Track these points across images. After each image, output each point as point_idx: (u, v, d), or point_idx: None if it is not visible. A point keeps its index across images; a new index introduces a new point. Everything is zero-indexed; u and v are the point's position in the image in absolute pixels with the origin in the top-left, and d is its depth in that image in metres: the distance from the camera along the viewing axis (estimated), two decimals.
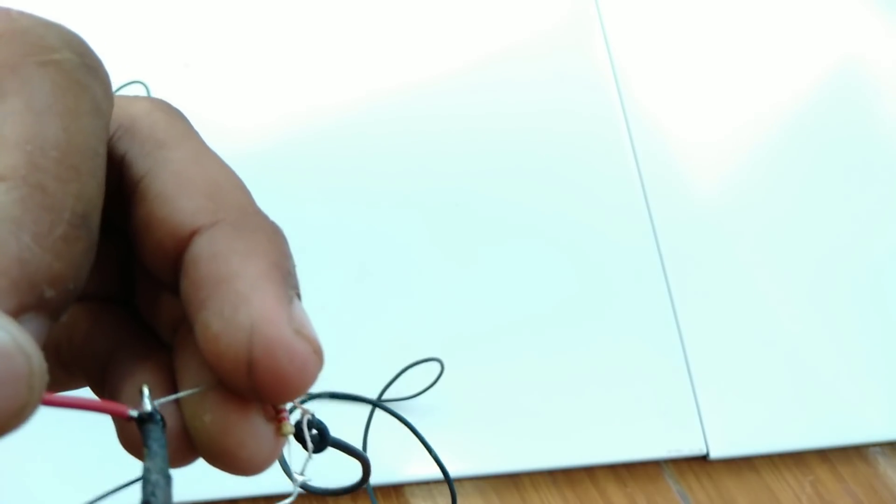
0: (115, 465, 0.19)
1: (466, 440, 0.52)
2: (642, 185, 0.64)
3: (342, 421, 0.49)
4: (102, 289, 0.21)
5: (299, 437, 0.19)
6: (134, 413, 0.17)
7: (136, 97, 0.20)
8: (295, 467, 0.19)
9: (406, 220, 0.60)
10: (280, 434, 0.18)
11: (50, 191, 0.15)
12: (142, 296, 0.21)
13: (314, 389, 0.27)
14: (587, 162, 0.65)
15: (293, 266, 0.18)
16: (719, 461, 0.55)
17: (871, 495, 0.55)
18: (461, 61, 0.68)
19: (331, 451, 0.21)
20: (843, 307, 0.62)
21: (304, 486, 0.20)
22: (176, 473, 0.17)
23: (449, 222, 0.60)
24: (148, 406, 0.17)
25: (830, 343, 0.60)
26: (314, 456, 0.20)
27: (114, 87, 0.19)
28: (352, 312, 0.55)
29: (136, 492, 0.16)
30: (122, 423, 0.18)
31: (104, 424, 0.19)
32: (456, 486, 0.50)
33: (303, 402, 0.19)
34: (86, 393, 0.19)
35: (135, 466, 0.17)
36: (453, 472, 0.51)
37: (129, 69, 0.61)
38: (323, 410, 0.49)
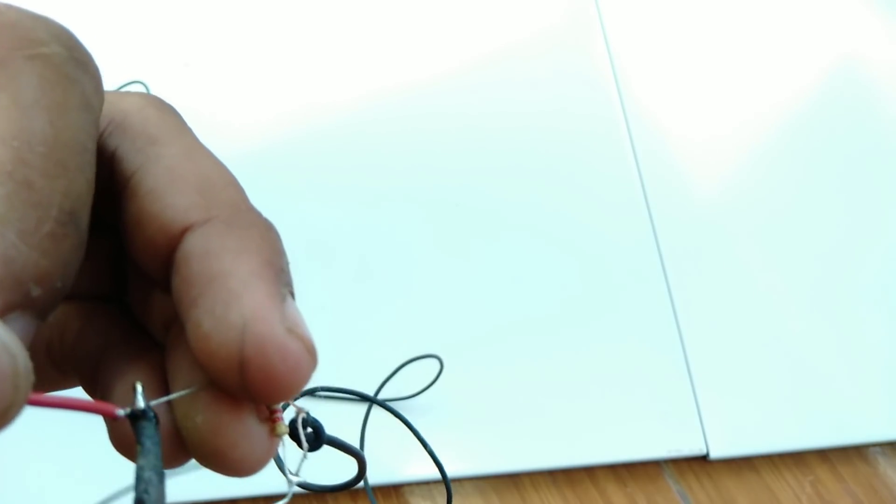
0: (117, 464, 0.19)
1: (466, 440, 0.52)
2: (642, 185, 0.64)
3: (339, 418, 0.49)
4: (94, 287, 0.21)
5: (294, 436, 0.19)
6: (123, 412, 0.17)
7: (128, 92, 0.20)
8: (291, 465, 0.19)
9: (406, 218, 0.60)
10: (274, 434, 0.18)
11: (37, 187, 0.15)
12: (134, 294, 0.20)
13: (309, 385, 0.27)
14: (587, 160, 0.65)
15: (287, 263, 0.18)
16: (719, 461, 0.54)
17: (871, 495, 0.55)
18: (461, 60, 0.68)
19: (327, 450, 0.20)
20: (843, 306, 0.62)
21: (300, 484, 0.20)
22: (172, 473, 0.17)
23: (449, 221, 0.60)
24: (141, 403, 0.17)
25: (830, 343, 0.60)
26: (309, 455, 0.20)
27: (114, 87, 0.18)
28: (351, 310, 0.55)
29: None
30: (112, 423, 0.17)
31: (104, 424, 0.19)
32: (456, 486, 0.50)
33: (294, 399, 0.19)
34: (78, 392, 0.19)
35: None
36: (453, 471, 0.50)
37: (129, 69, 0.61)
38: (319, 408, 0.49)
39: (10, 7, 0.17)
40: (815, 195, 0.67)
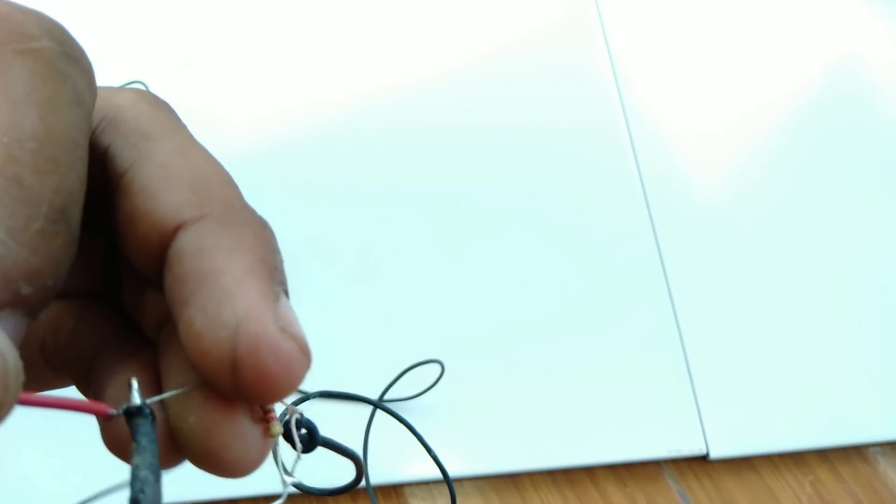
0: (112, 460, 0.19)
1: (467, 440, 0.51)
2: (642, 184, 0.64)
3: (343, 421, 0.49)
4: (88, 285, 0.20)
5: (288, 438, 0.19)
6: (118, 410, 0.16)
7: (122, 88, 0.20)
8: (288, 466, 0.19)
9: (406, 218, 0.59)
10: (268, 435, 0.17)
11: (27, 183, 0.15)
12: (127, 292, 0.20)
13: (311, 389, 0.26)
14: (586, 159, 0.65)
15: (281, 262, 0.18)
16: (719, 461, 0.54)
17: (871, 495, 0.54)
18: (462, 58, 0.68)
19: (330, 451, 0.20)
20: (843, 306, 0.62)
21: (297, 485, 0.20)
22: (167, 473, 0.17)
23: (448, 221, 0.60)
24: (137, 399, 0.16)
25: (830, 343, 0.60)
26: (311, 456, 0.19)
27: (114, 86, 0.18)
28: (353, 312, 0.55)
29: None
30: (105, 422, 0.17)
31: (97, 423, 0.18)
32: (456, 486, 0.50)
33: (297, 402, 0.18)
34: (71, 391, 0.19)
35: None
36: (454, 472, 0.50)
37: (129, 68, 0.61)
38: (323, 410, 0.49)
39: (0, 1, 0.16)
40: (816, 194, 0.67)
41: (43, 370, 0.20)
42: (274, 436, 0.17)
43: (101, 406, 0.16)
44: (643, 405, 0.55)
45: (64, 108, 0.16)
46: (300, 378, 0.16)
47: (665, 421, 0.54)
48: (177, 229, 0.17)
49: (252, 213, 0.18)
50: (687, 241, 0.62)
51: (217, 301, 0.16)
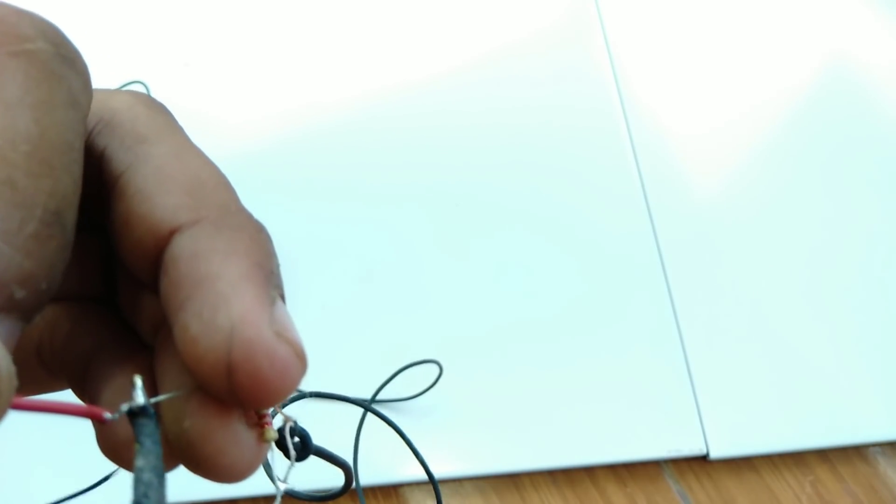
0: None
1: (466, 440, 0.51)
2: (642, 184, 0.64)
3: (338, 421, 0.49)
4: (83, 288, 0.20)
5: (281, 446, 0.19)
6: (109, 416, 0.16)
7: (118, 90, 0.20)
8: (279, 472, 0.19)
9: (406, 218, 0.59)
10: (262, 440, 0.17)
11: (20, 187, 0.15)
12: (123, 296, 0.20)
13: (310, 388, 0.26)
14: (586, 158, 0.65)
15: (277, 266, 0.18)
16: (719, 461, 0.54)
17: (871, 495, 0.54)
18: (461, 58, 0.68)
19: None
20: (843, 306, 0.62)
21: (288, 491, 0.19)
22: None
23: (448, 221, 0.60)
24: (140, 399, 0.16)
25: (830, 343, 0.60)
26: (297, 464, 0.19)
27: (114, 87, 0.18)
28: (352, 312, 0.55)
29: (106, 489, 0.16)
30: (101, 426, 0.17)
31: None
32: (456, 485, 0.50)
33: (289, 402, 0.18)
34: (67, 396, 0.19)
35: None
36: (453, 471, 0.50)
37: (129, 69, 0.61)
38: (317, 410, 0.49)
39: None
40: (816, 194, 0.67)
41: (39, 373, 0.20)
42: (268, 441, 0.17)
43: (97, 410, 0.16)
44: (643, 405, 0.55)
45: (59, 111, 0.16)
46: (295, 383, 0.16)
47: (665, 421, 0.54)
48: (172, 233, 0.17)
49: (248, 216, 0.18)
50: (687, 241, 0.62)
51: (212, 306, 0.16)
